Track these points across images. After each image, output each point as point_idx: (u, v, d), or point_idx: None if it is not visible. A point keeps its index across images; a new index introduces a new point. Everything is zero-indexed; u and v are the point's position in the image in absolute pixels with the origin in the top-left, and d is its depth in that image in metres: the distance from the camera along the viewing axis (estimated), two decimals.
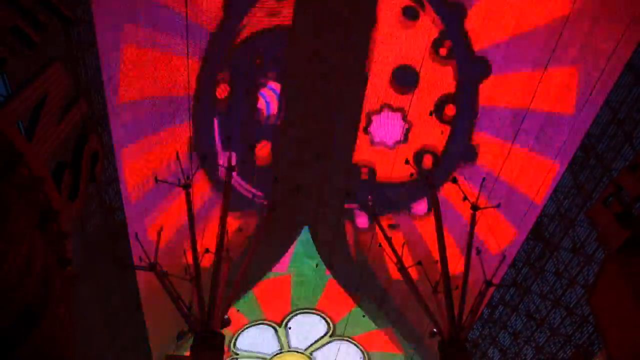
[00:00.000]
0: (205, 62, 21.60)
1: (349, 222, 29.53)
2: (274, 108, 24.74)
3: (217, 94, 23.66)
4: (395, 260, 23.17)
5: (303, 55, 22.47)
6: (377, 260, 27.58)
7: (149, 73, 18.69)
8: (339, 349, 33.05)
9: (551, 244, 23.16)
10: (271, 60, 23.20)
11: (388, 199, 25.82)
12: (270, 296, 32.26)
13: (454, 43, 22.65)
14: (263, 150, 25.37)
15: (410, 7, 22.07)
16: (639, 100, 17.94)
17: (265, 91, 24.57)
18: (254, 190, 26.37)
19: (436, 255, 21.52)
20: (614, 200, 12.97)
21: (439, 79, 23.78)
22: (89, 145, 11.47)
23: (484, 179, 21.48)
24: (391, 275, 27.05)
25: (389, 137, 25.57)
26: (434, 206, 21.77)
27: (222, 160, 22.45)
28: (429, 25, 22.31)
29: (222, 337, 18.25)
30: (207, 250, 22.74)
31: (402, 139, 24.94)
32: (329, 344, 34.09)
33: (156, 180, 20.47)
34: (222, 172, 22.12)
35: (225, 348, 31.08)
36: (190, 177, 20.26)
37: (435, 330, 19.57)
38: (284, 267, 31.35)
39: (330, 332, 33.90)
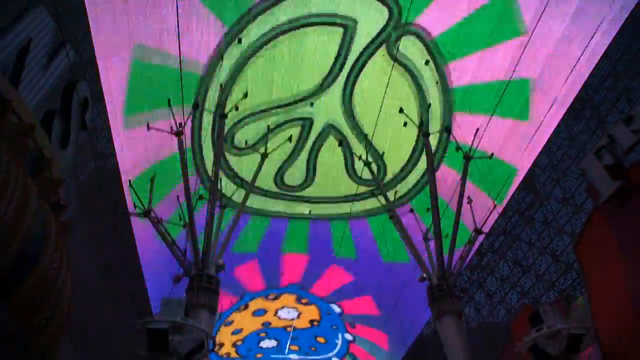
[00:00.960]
0: None
1: None
2: None
3: None
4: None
5: None
6: None
7: (139, 18, 18.03)
8: None
9: (542, 194, 23.51)
10: None
11: None
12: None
13: None
14: None
15: None
16: (637, 55, 17.68)
17: None
18: None
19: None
20: (606, 152, 13.04)
21: None
22: (77, 92, 11.26)
23: (477, 129, 21.47)
24: None
25: None
26: (427, 154, 21.86)
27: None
28: None
29: (218, 280, 18.71)
30: (200, 197, 22.95)
31: None
32: None
33: (148, 127, 20.28)
34: None
35: None
36: (183, 124, 20.10)
37: (424, 275, 20.14)
38: None
39: None
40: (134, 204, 20.97)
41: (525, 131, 22.09)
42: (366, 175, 24.85)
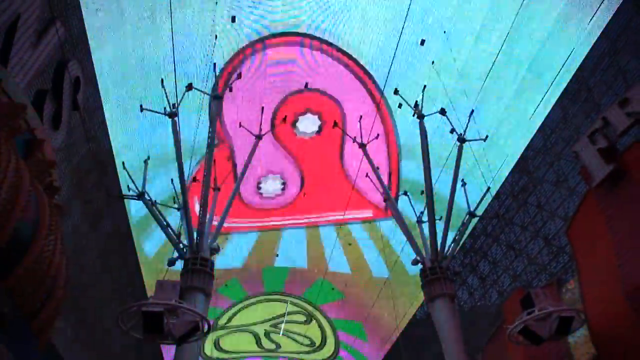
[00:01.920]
0: None
1: None
2: None
3: None
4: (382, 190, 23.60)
5: None
6: None
7: None
8: None
9: (535, 178, 23.61)
10: None
11: None
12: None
13: None
14: None
15: None
16: (637, 34, 17.58)
17: None
18: None
19: None
20: (600, 135, 13.08)
21: None
22: (69, 72, 11.08)
23: (472, 111, 21.41)
24: None
25: None
26: (422, 137, 21.78)
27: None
28: None
29: (212, 263, 18.71)
30: (194, 179, 22.83)
31: None
32: None
33: (141, 108, 20.05)
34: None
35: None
36: (176, 105, 19.88)
37: (417, 258, 20.23)
38: None
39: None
40: (128, 186, 20.85)
41: (520, 113, 22.08)
42: None
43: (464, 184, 22.10)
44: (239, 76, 21.72)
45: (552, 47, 20.02)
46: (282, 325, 39.27)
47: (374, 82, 25.49)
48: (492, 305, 27.12)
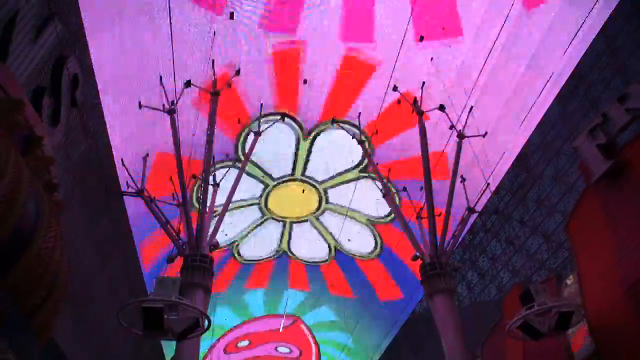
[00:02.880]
0: None
1: None
2: None
3: None
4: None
5: None
6: None
7: None
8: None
9: (534, 173, 23.64)
10: None
11: None
12: None
13: None
14: None
15: None
16: (636, 31, 17.58)
17: None
18: None
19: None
20: (599, 131, 13.07)
21: None
22: (67, 68, 11.04)
23: (471, 107, 21.43)
24: None
25: None
26: (421, 133, 21.80)
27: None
28: None
29: (211, 259, 18.74)
30: (193, 176, 22.82)
31: None
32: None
33: (139, 105, 20.03)
34: (206, 97, 21.63)
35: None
36: (175, 102, 19.87)
37: (417, 254, 20.29)
38: None
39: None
40: (127, 182, 20.83)
41: (519, 110, 22.07)
42: None
43: (463, 180, 22.15)
44: (238, 72, 21.69)
45: (551, 43, 20.00)
46: None
47: None
48: (491, 300, 27.19)
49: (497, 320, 18.17)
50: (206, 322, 11.93)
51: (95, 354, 23.02)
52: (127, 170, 20.62)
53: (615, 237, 12.54)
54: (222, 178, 24.79)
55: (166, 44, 18.93)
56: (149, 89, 20.53)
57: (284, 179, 28.57)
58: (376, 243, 31.54)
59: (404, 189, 26.28)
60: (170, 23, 17.63)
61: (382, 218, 29.94)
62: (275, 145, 26.10)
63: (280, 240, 32.67)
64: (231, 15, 21.13)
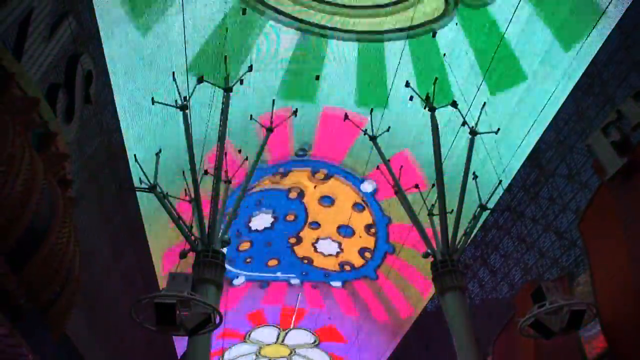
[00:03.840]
0: None
1: None
2: None
3: None
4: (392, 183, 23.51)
5: None
6: None
7: None
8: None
9: (547, 171, 23.40)
10: None
11: None
12: None
13: None
14: None
15: None
16: None
17: None
18: None
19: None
20: (613, 128, 12.92)
21: None
22: (81, 65, 11.17)
23: (484, 103, 21.24)
24: None
25: None
26: (433, 129, 21.66)
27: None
28: None
29: (223, 255, 18.84)
30: (205, 172, 22.93)
31: None
32: None
33: (153, 101, 20.17)
34: None
35: None
36: (188, 98, 19.95)
37: (428, 251, 20.21)
38: None
39: None
40: (140, 178, 21.00)
41: (532, 106, 21.85)
42: None
43: (475, 177, 21.98)
44: (250, 69, 21.73)
45: (565, 39, 19.76)
46: None
47: None
48: (503, 298, 27.03)
49: (508, 318, 18.08)
50: (218, 318, 12.01)
51: (108, 349, 23.35)
52: (140, 166, 20.79)
53: (628, 235, 12.41)
54: (234, 174, 24.89)
55: (179, 40, 19.02)
56: (162, 85, 20.68)
57: None
58: None
59: (416, 185, 26.16)
60: (184, 19, 17.72)
61: None
62: None
63: None
64: (244, 11, 21.19)
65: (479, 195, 21.65)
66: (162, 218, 21.94)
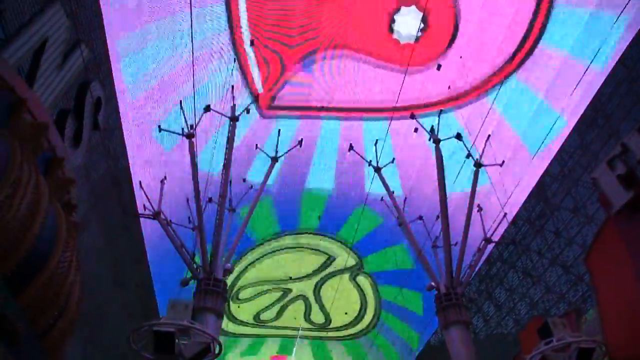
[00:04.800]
0: None
1: None
2: None
3: None
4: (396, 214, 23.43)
5: None
6: None
7: (151, 19, 18.21)
8: None
9: (552, 204, 23.27)
10: None
11: None
12: None
13: None
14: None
15: None
16: None
17: None
18: None
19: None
20: (619, 161, 12.87)
21: None
22: (91, 92, 11.35)
23: (489, 135, 21.32)
24: None
25: None
26: (438, 161, 21.70)
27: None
28: None
29: (225, 284, 18.68)
30: (210, 200, 22.97)
31: None
32: None
33: (159, 129, 20.39)
34: None
35: None
36: (194, 126, 20.16)
37: (432, 284, 19.95)
38: None
39: None
40: (144, 205, 21.05)
41: (536, 139, 21.91)
42: None
43: (480, 209, 21.88)
44: (257, 99, 22.03)
45: (569, 73, 19.96)
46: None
47: None
48: (508, 333, 26.48)
49: (514, 354, 17.65)
50: (217, 348, 11.80)
51: None
52: (144, 192, 20.86)
53: (636, 271, 12.20)
54: (238, 202, 24.90)
55: (187, 70, 19.36)
56: (169, 113, 20.94)
57: None
58: None
59: (420, 217, 26.02)
60: (192, 50, 18.08)
61: None
62: None
63: None
64: (252, 42, 21.60)
65: (483, 227, 21.51)
66: (165, 244, 21.88)
